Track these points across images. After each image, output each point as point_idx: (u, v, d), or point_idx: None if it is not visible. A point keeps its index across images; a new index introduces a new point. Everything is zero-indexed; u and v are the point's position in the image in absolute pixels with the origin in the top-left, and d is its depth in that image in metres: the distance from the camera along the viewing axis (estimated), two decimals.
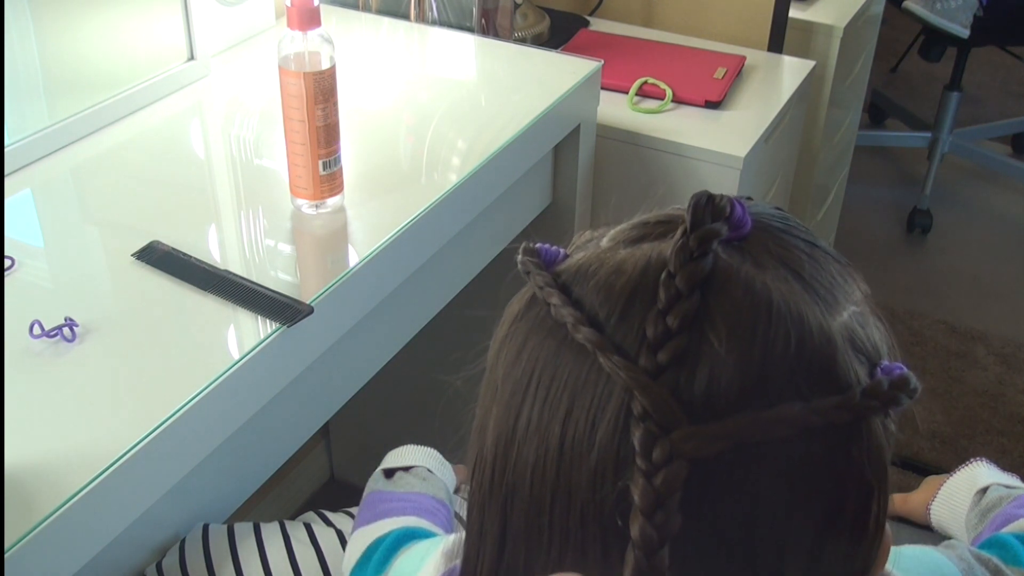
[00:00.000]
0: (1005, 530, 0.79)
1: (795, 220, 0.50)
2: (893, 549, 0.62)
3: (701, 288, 0.43)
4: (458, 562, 0.53)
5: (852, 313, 0.46)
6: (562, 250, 0.50)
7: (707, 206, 0.45)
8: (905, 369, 0.46)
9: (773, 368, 0.43)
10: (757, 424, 0.42)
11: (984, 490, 0.87)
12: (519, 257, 0.50)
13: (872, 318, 0.48)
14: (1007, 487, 0.87)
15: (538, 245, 0.50)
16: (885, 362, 0.46)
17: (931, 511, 0.93)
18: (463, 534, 0.52)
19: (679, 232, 0.45)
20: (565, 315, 0.45)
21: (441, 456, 0.99)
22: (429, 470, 0.96)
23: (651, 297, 0.44)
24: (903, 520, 0.97)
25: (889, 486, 0.47)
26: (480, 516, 0.49)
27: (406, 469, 0.95)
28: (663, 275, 0.44)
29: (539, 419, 0.45)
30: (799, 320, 0.44)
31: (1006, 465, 0.92)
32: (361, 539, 0.83)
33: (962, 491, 0.90)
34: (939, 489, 0.93)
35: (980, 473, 0.90)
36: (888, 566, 0.59)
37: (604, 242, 0.49)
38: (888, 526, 0.48)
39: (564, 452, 0.44)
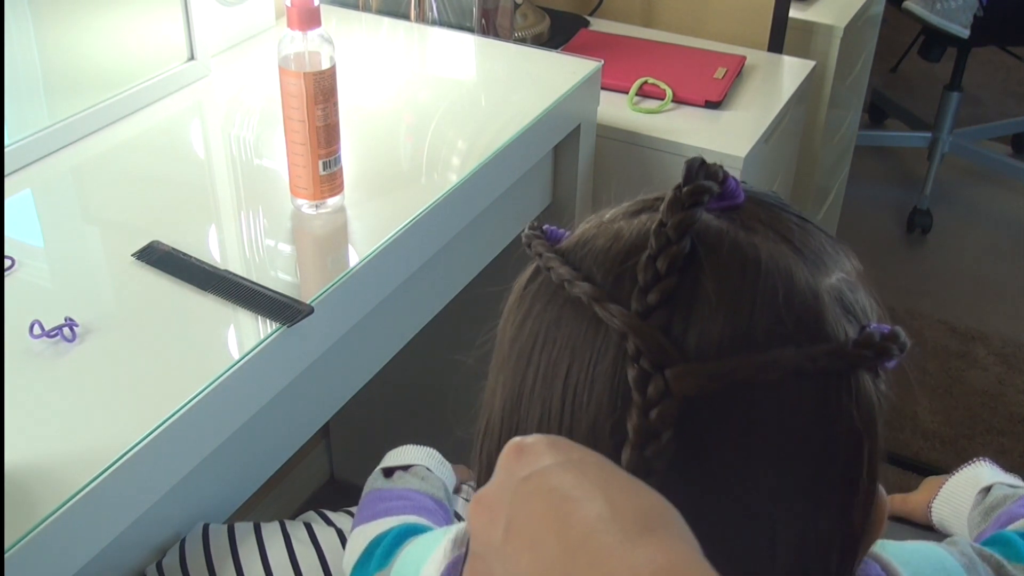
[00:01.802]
0: (1009, 528, 0.79)
1: (788, 202, 0.52)
2: (895, 543, 0.62)
3: (692, 242, 0.45)
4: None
5: (841, 279, 0.48)
6: (567, 232, 0.52)
7: (700, 168, 0.47)
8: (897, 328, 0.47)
9: (762, 316, 0.44)
10: (751, 365, 0.43)
11: (987, 489, 0.87)
12: (524, 232, 0.52)
13: (863, 289, 0.49)
14: (1011, 486, 0.87)
15: (544, 225, 0.52)
16: (874, 324, 0.48)
17: (932, 509, 0.93)
18: None
19: (672, 189, 0.47)
20: (563, 273, 0.47)
21: (440, 456, 0.99)
22: (428, 469, 0.96)
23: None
24: (904, 520, 0.97)
25: (881, 445, 0.48)
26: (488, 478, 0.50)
27: (405, 468, 0.95)
28: (655, 225, 0.46)
29: (543, 380, 0.47)
30: (787, 275, 0.46)
31: (1006, 465, 0.92)
32: (361, 536, 0.83)
33: (965, 490, 0.90)
34: (940, 488, 0.93)
35: (983, 472, 0.90)
36: (888, 558, 0.59)
37: (605, 218, 0.51)
38: (883, 492, 0.49)
39: (565, 408, 0.46)
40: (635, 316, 0.44)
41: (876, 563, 0.59)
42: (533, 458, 0.40)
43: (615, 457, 0.43)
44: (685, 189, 0.46)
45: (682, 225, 0.45)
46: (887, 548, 0.62)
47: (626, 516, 0.37)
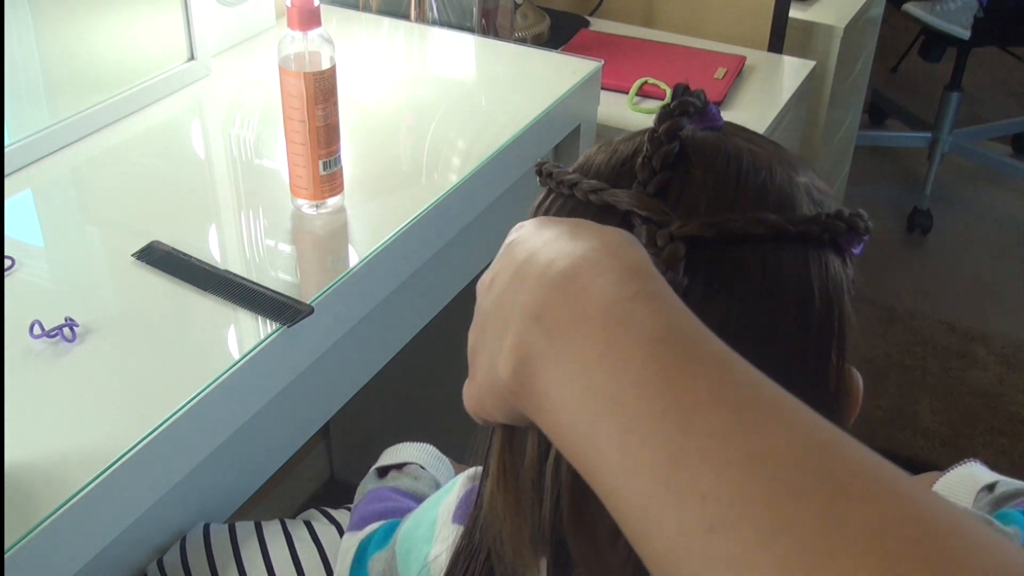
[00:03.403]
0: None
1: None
2: None
3: (680, 145, 0.52)
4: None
5: (809, 181, 0.55)
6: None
7: (685, 90, 0.55)
8: None
9: (745, 196, 0.51)
10: (738, 220, 0.50)
11: (991, 486, 0.87)
12: (535, 165, 0.58)
13: (830, 196, 0.55)
14: (1014, 482, 0.86)
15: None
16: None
17: None
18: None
19: (661, 106, 0.54)
20: (572, 178, 0.54)
21: (438, 451, 0.99)
22: (422, 467, 0.96)
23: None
24: None
25: (851, 324, 0.53)
26: None
27: (399, 467, 0.95)
28: (648, 133, 0.53)
29: None
30: (767, 166, 0.53)
31: (1006, 465, 0.92)
32: (350, 542, 0.84)
33: (961, 488, 0.89)
34: (932, 487, 0.92)
35: (977, 472, 0.90)
36: None
37: (605, 144, 0.58)
38: (857, 374, 0.54)
39: None
40: (639, 194, 0.51)
41: None
42: (521, 229, 0.47)
43: None
44: (672, 104, 0.54)
45: (672, 128, 0.52)
46: None
47: (579, 225, 0.44)
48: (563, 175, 0.55)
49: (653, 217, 0.50)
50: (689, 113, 0.53)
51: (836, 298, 0.52)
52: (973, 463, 0.91)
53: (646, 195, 0.51)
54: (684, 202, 0.51)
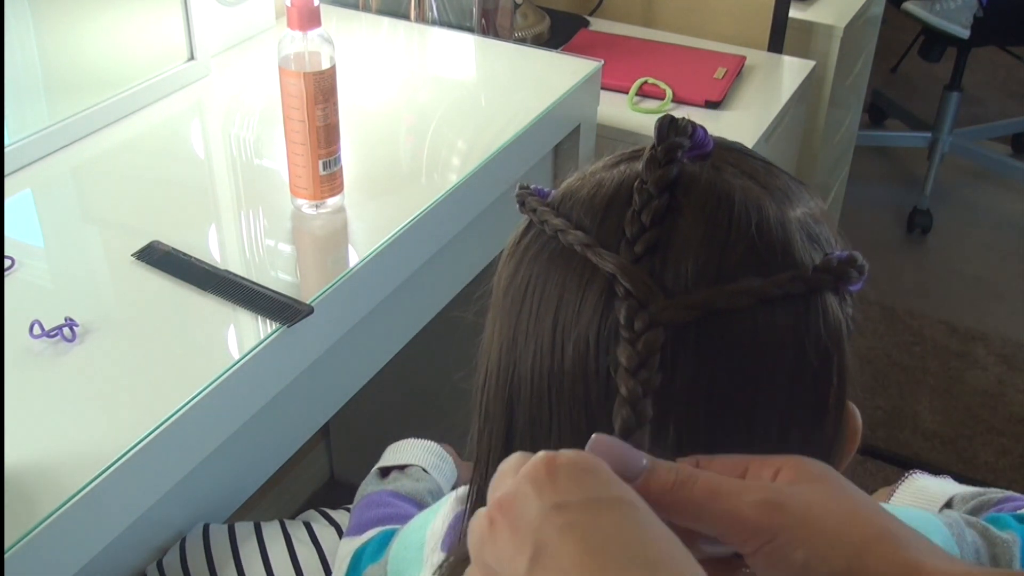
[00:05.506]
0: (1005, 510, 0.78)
1: (755, 151, 0.56)
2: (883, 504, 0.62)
3: (670, 190, 0.50)
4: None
5: (805, 212, 0.52)
6: (553, 191, 0.56)
7: (671, 125, 0.51)
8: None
9: (735, 248, 0.49)
10: (721, 295, 0.48)
11: (949, 502, 0.85)
12: (516, 192, 0.56)
13: (825, 224, 0.53)
14: (979, 492, 0.84)
15: (532, 185, 0.57)
16: (837, 251, 0.52)
17: None
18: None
19: (648, 148, 0.51)
20: (557, 224, 0.51)
21: (441, 450, 0.99)
22: (424, 469, 0.96)
23: (627, 203, 0.50)
24: None
25: (849, 364, 0.52)
26: (487, 423, 0.53)
27: (401, 468, 0.95)
28: (636, 182, 0.50)
29: (535, 319, 0.51)
30: (757, 208, 0.50)
31: (1006, 465, 0.90)
32: (346, 548, 0.84)
33: (921, 504, 0.87)
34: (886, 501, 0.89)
35: (928, 484, 0.88)
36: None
37: (587, 172, 0.55)
38: (855, 409, 0.53)
39: (556, 339, 0.50)
40: (625, 260, 0.48)
41: None
42: (567, 485, 0.39)
43: (605, 382, 0.48)
44: (659, 148, 0.50)
45: (661, 181, 0.49)
46: None
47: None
48: (548, 216, 0.52)
49: (635, 292, 0.47)
50: (677, 158, 0.50)
51: (834, 347, 0.50)
52: (916, 476, 0.89)
53: (632, 262, 0.48)
54: (671, 263, 0.48)
